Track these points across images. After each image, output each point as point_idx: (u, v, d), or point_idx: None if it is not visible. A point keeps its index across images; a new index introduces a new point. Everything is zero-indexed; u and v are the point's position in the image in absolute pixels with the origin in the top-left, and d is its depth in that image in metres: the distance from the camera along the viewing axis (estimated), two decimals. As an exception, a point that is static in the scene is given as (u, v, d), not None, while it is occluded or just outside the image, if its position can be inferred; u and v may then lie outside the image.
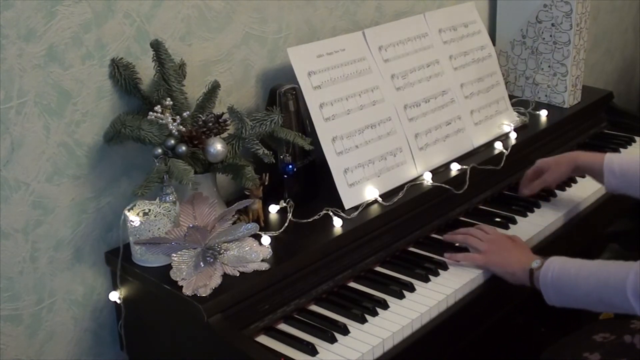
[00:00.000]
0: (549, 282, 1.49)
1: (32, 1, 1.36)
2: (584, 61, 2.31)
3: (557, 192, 1.97)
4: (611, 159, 1.77)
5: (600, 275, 1.42)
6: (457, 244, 1.71)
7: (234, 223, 1.52)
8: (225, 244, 1.48)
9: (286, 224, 1.59)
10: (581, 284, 1.44)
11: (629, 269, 1.38)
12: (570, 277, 1.46)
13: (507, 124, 2.10)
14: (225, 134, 1.54)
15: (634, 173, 1.71)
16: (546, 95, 2.32)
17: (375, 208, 1.68)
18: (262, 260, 1.48)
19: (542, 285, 1.50)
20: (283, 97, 1.65)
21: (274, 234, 1.56)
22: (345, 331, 1.43)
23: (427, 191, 1.77)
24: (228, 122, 1.52)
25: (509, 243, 1.65)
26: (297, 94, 1.67)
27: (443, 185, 1.79)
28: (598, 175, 1.80)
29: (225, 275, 1.44)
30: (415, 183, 1.79)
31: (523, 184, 1.93)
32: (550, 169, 1.87)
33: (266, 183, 1.60)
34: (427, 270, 1.62)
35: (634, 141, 2.30)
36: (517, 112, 2.18)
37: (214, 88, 1.58)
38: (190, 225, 1.43)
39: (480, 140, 2.02)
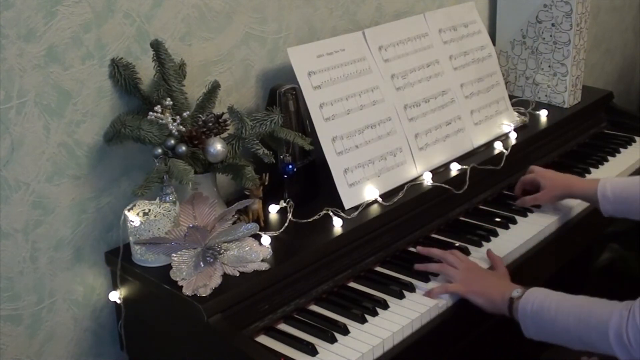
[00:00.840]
0: (528, 315, 1.43)
1: (32, 1, 1.36)
2: (584, 61, 2.31)
3: (558, 192, 1.97)
4: (604, 186, 1.74)
5: (582, 313, 1.37)
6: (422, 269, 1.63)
7: (234, 223, 1.52)
8: (225, 244, 1.48)
9: (286, 224, 1.59)
10: (560, 320, 1.39)
11: (612, 310, 1.33)
12: (551, 312, 1.41)
13: (507, 124, 2.10)
14: (225, 134, 1.54)
15: (627, 197, 1.68)
16: (546, 95, 2.32)
17: (375, 208, 1.68)
18: (262, 260, 1.48)
19: (520, 317, 1.45)
20: (283, 97, 1.65)
21: (274, 234, 1.56)
22: (345, 331, 1.43)
23: (427, 191, 1.77)
24: (228, 122, 1.52)
25: (484, 271, 1.60)
26: (297, 94, 1.67)
27: (443, 185, 1.79)
28: (594, 202, 1.78)
29: (225, 275, 1.44)
30: (415, 183, 1.79)
31: (517, 190, 1.92)
32: (545, 190, 1.85)
33: (266, 183, 1.60)
34: (427, 270, 1.62)
35: (634, 141, 2.30)
36: (517, 112, 2.18)
37: (214, 88, 1.58)
38: (190, 225, 1.42)
39: (480, 140, 2.02)
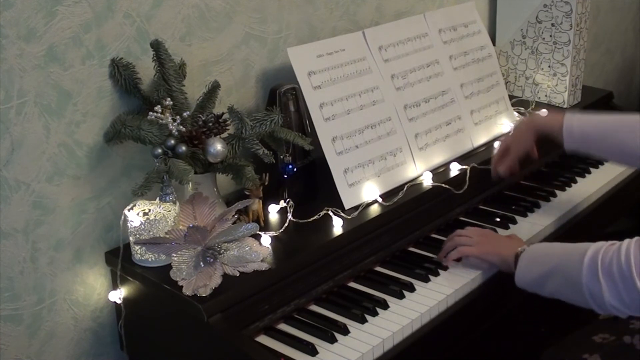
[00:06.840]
0: (524, 259, 1.51)
1: (32, 1, 1.36)
2: (584, 61, 2.31)
3: (557, 192, 1.97)
4: (571, 121, 1.70)
5: (568, 248, 1.45)
6: (448, 254, 1.66)
7: (234, 223, 1.52)
8: (225, 244, 1.48)
9: (286, 224, 1.59)
10: (547, 255, 1.47)
11: (596, 244, 1.39)
12: (542, 249, 1.51)
13: (507, 123, 2.10)
14: (225, 134, 1.54)
15: (593, 134, 1.67)
16: (546, 95, 2.32)
17: (375, 208, 1.68)
18: (262, 260, 1.48)
19: (518, 264, 1.51)
20: (283, 97, 1.65)
21: (274, 234, 1.56)
22: (345, 331, 1.43)
23: (427, 191, 1.77)
24: (228, 122, 1.52)
25: (497, 234, 1.69)
26: (297, 94, 1.68)
27: (443, 185, 1.79)
28: (558, 137, 1.73)
29: (225, 275, 1.44)
30: (415, 183, 1.79)
31: (494, 164, 1.85)
32: (514, 141, 1.82)
33: (266, 183, 1.60)
34: (427, 270, 1.62)
35: (634, 141, 2.30)
36: (517, 112, 2.18)
37: (214, 88, 1.58)
38: (190, 225, 1.42)
39: (480, 140, 2.02)
